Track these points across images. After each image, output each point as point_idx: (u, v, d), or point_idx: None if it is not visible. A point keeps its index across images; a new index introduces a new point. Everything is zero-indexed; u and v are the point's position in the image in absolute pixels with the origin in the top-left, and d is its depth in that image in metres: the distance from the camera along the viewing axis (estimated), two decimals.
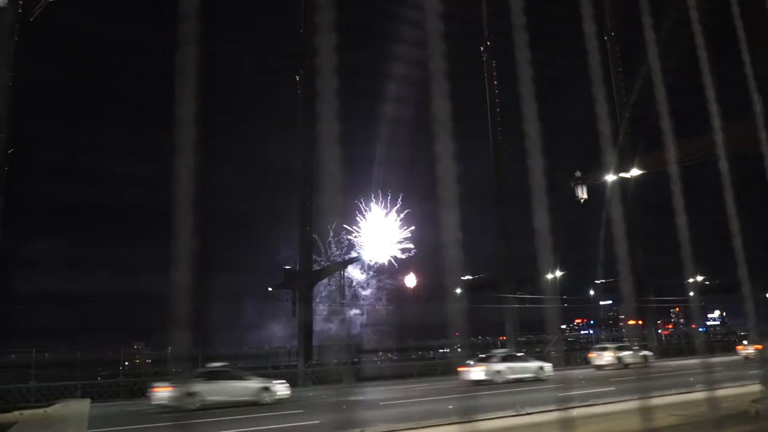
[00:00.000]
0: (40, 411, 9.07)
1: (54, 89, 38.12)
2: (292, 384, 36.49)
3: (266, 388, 24.78)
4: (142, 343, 41.30)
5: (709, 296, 63.79)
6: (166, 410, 20.46)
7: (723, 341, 61.58)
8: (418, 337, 50.66)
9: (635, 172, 34.20)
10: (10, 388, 28.74)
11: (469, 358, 30.65)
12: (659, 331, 66.21)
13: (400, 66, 52.64)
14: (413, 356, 48.67)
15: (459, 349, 30.70)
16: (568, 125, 42.44)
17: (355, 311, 55.88)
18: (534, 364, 32.15)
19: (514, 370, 31.24)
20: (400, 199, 58.38)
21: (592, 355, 41.41)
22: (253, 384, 24.77)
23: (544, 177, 2.53)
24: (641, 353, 40.34)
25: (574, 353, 53.40)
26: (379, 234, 57.40)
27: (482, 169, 51.33)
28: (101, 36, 39.85)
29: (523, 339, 50.84)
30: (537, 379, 30.19)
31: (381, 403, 22.45)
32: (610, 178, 30.07)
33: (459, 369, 30.69)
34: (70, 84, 39.36)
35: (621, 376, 29.38)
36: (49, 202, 37.23)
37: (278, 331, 50.49)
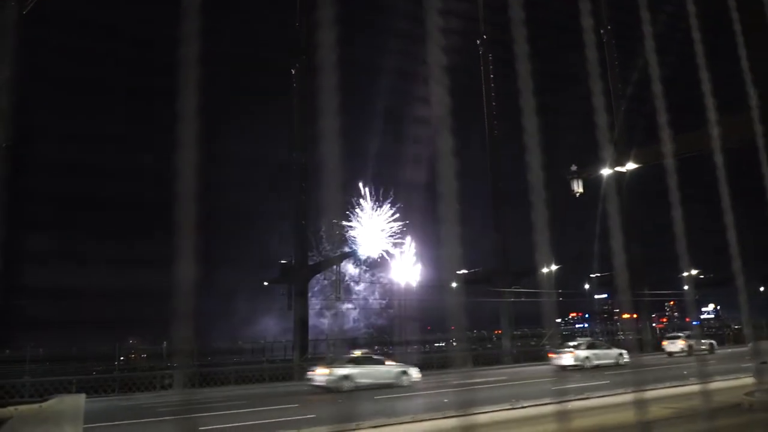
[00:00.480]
0: (36, 406, 9.04)
1: (53, 81, 37.84)
2: (289, 378, 36.65)
3: (404, 372, 27.24)
4: (137, 339, 41.22)
5: (704, 290, 63.98)
6: (326, 391, 24.08)
7: (717, 335, 61.89)
8: (431, 329, 50.70)
9: (631, 165, 34.28)
10: (5, 383, 28.69)
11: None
12: (654, 324, 66.50)
13: (394, 58, 52.41)
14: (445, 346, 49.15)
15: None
16: (564, 118, 42.49)
17: (348, 305, 55.82)
18: (615, 351, 35.19)
19: (598, 357, 34.21)
20: (391, 193, 58.21)
21: (665, 343, 45.20)
22: (394, 368, 27.41)
23: (541, 170, 2.53)
24: (707, 342, 43.94)
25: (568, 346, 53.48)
26: (372, 228, 57.37)
27: (478, 163, 51.32)
28: (100, 27, 39.53)
29: (519, 333, 50.98)
30: (617, 365, 32.72)
31: (500, 384, 24.25)
32: (606, 171, 30.13)
33: (549, 355, 34.99)
34: (70, 76, 39.11)
35: (689, 362, 32.37)
36: (45, 195, 37.06)
37: (273, 326, 50.48)
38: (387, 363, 27.87)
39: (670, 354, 42.01)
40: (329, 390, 24.42)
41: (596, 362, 33.42)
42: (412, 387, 25.83)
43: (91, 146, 38.83)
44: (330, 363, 26.36)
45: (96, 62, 40.61)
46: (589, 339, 39.01)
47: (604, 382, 21.55)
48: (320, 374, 25.48)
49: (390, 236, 58.03)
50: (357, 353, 28.05)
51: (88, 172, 38.70)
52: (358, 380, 24.67)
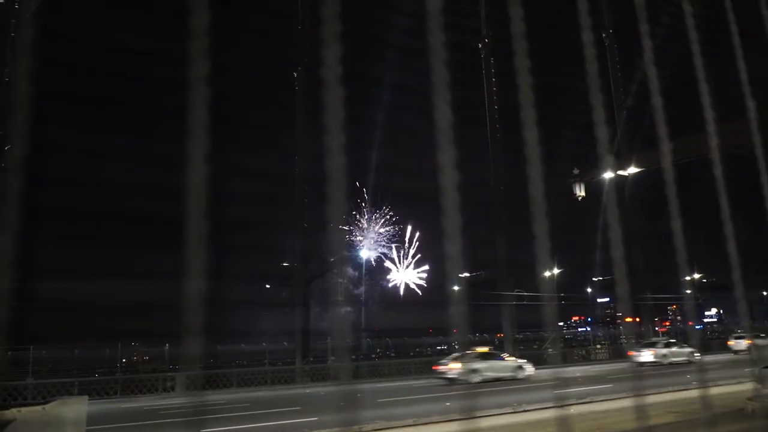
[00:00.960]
0: (38, 408, 9.05)
1: (69, 98, 38.24)
2: (291, 381, 36.64)
3: (520, 367, 29.84)
4: (140, 342, 41.24)
5: (707, 294, 63.92)
6: (456, 383, 26.18)
7: (720, 339, 61.74)
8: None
9: (633, 169, 34.26)
10: (7, 385, 28.73)
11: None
12: (656, 328, 66.36)
13: (395, 60, 52.46)
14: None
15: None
16: (566, 122, 42.45)
17: (347, 309, 55.74)
18: (687, 350, 38.01)
19: (674, 354, 37.63)
20: (389, 198, 58.20)
21: (731, 342, 47.95)
22: (512, 363, 30.32)
23: (543, 174, 2.53)
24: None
25: (571, 350, 53.60)
26: (370, 233, 57.42)
27: (481, 164, 51.31)
28: (111, 44, 39.88)
29: (521, 336, 50.95)
30: (689, 362, 35.19)
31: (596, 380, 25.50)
32: (607, 175, 30.11)
33: (629, 353, 39.15)
34: (85, 92, 39.64)
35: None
36: (53, 207, 37.26)
37: (274, 329, 50.41)
38: (506, 358, 31.15)
39: (736, 352, 43.68)
40: (459, 382, 26.38)
41: (672, 359, 36.53)
42: (528, 379, 28.47)
43: (95, 160, 39.07)
44: (458, 358, 28.33)
45: (104, 77, 41.00)
46: (665, 338, 43.18)
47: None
48: (452, 368, 27.79)
49: (388, 240, 58.03)
50: (481, 349, 32.07)
51: (97, 186, 38.99)
52: (485, 373, 27.77)
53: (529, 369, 29.87)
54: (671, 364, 35.19)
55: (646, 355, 36.80)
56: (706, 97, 3.65)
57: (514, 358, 31.46)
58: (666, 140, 3.25)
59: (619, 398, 15.65)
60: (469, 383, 25.03)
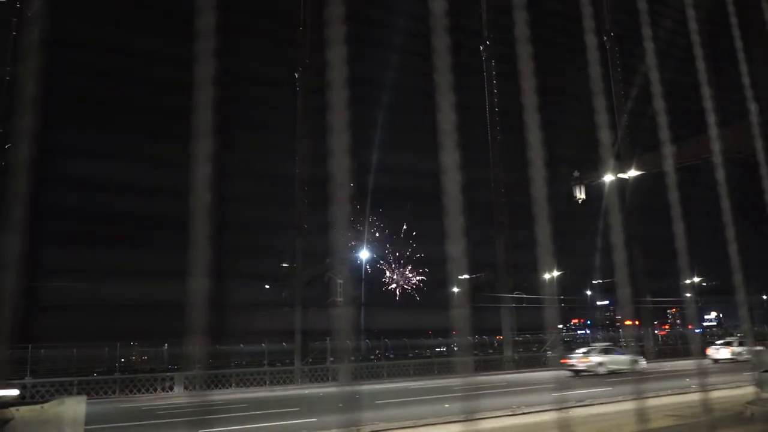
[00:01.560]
0: (37, 407, 9.04)
1: (73, 98, 38.31)
2: (290, 382, 36.59)
3: (636, 360, 32.69)
4: (138, 341, 41.18)
5: (706, 297, 63.91)
6: (584, 375, 30.59)
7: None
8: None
9: (633, 172, 34.27)
10: (6, 384, 28.66)
11: None
12: (656, 331, 66.28)
13: (395, 61, 52.49)
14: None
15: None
16: (567, 124, 42.45)
17: (346, 309, 55.63)
18: (627, 357, 39.09)
19: (748, 352, 38.09)
20: (390, 199, 58.16)
21: (709, 351, 47.77)
22: (629, 357, 33.45)
23: (544, 176, 2.53)
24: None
25: (570, 353, 53.54)
26: (364, 235, 57.45)
27: (482, 167, 51.29)
28: (114, 44, 39.99)
29: (520, 339, 50.91)
30: (631, 371, 37.27)
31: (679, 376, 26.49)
32: (608, 178, 30.11)
33: (707, 351, 41.05)
34: (89, 93, 39.74)
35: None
36: (53, 206, 37.28)
37: (273, 330, 50.35)
38: (623, 353, 34.76)
39: (716, 361, 42.37)
40: (588, 374, 30.95)
41: (746, 356, 38.01)
42: (643, 371, 31.24)
43: (96, 160, 39.13)
44: (586, 353, 33.79)
45: (108, 78, 41.07)
46: (741, 336, 43.37)
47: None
48: (581, 362, 32.58)
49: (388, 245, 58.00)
50: (603, 345, 36.89)
51: (97, 186, 39.02)
52: (608, 366, 31.92)
53: (642, 363, 32.82)
54: (612, 373, 33.24)
55: (723, 353, 39.38)
56: (707, 101, 3.65)
57: (629, 353, 34.96)
58: (667, 143, 3.25)
59: (617, 402, 15.66)
60: (597, 374, 30.91)
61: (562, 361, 32.00)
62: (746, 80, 4.14)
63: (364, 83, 47.02)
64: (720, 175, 3.65)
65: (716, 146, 3.67)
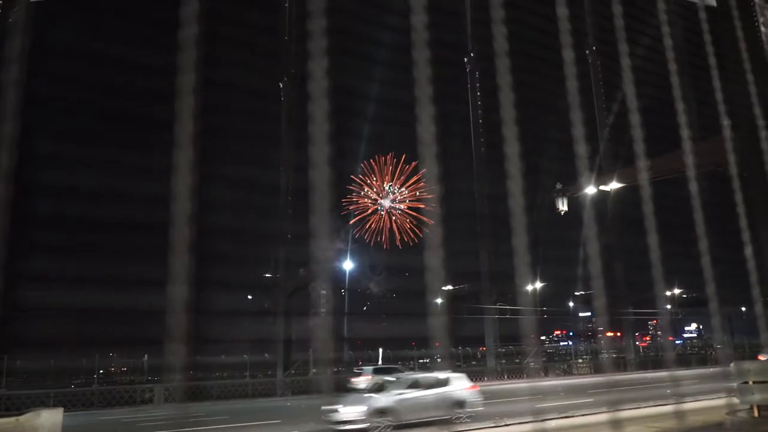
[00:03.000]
0: (12, 420, 8.88)
1: (51, 106, 38.01)
2: (272, 393, 36.28)
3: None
4: (117, 353, 40.60)
5: (686, 309, 64.57)
6: None
7: (699, 354, 62.44)
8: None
9: (615, 185, 34.67)
10: None
11: None
12: (637, 343, 66.85)
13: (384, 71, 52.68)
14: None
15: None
16: (551, 137, 42.85)
17: (328, 320, 55.20)
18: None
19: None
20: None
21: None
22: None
23: (527, 189, 2.56)
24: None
25: (553, 364, 53.87)
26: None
27: (465, 178, 51.59)
28: (95, 53, 39.78)
29: (503, 350, 51.04)
30: None
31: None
32: (590, 191, 30.44)
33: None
34: (68, 101, 39.46)
35: None
36: (37, 215, 36.80)
37: (256, 340, 49.94)
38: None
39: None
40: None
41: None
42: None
43: (80, 170, 38.81)
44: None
45: (90, 88, 40.83)
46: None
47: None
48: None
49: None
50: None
51: (79, 195, 38.61)
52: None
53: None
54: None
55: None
56: (682, 116, 3.73)
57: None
58: (644, 157, 3.30)
59: (598, 413, 15.72)
60: None
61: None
62: (720, 95, 4.23)
63: (349, 94, 47.17)
64: (693, 188, 3.72)
65: (689, 160, 3.74)
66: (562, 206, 37.89)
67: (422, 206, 55.38)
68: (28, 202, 34.79)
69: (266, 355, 43.27)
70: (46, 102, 36.33)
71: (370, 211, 57.66)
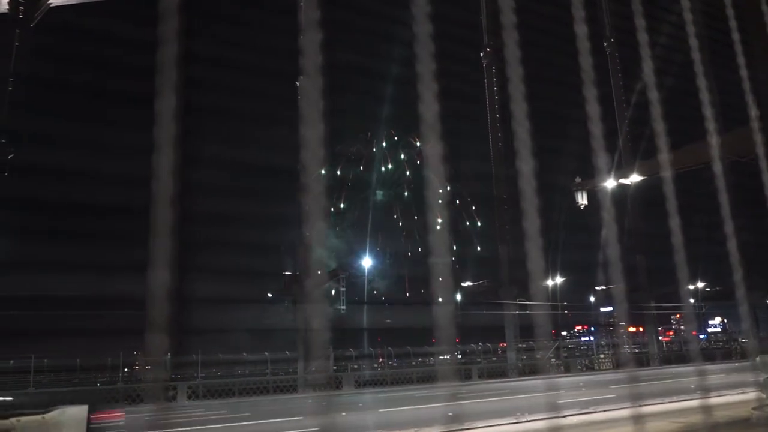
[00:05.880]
0: (38, 417, 9.01)
1: (32, 84, 37.27)
2: (292, 390, 36.45)
3: None
4: (142, 350, 41.07)
5: (710, 303, 63.64)
6: None
7: (724, 348, 61.48)
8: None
9: (635, 178, 34.22)
10: (9, 394, 28.62)
11: None
12: (660, 337, 66.01)
13: (397, 68, 52.50)
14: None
15: None
16: (570, 132, 42.43)
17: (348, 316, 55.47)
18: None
19: None
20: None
21: None
22: None
23: (549, 184, 2.52)
24: None
25: (574, 359, 53.39)
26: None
27: (484, 175, 51.30)
28: (82, 32, 39.12)
29: (524, 345, 50.71)
30: None
31: None
32: (610, 184, 30.09)
33: None
34: (50, 78, 38.62)
35: None
36: (43, 204, 37.01)
37: (277, 337, 50.27)
38: None
39: None
40: None
41: None
42: None
43: (95, 155, 38.87)
44: None
45: (91, 69, 40.48)
46: None
47: None
48: None
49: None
50: None
51: (91, 181, 38.72)
52: None
53: None
54: None
55: None
56: (708, 107, 3.64)
57: None
58: (668, 149, 3.24)
59: (621, 408, 15.56)
60: None
61: None
62: (746, 85, 4.13)
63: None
64: (720, 181, 3.64)
65: (717, 150, 3.66)
66: (582, 200, 37.51)
67: None
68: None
69: (287, 352, 43.44)
70: (23, 79, 35.55)
71: None
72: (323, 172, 1.98)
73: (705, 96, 3.73)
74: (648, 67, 3.51)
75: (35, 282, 36.38)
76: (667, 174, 3.34)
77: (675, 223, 3.32)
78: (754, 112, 4.10)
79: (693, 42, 3.72)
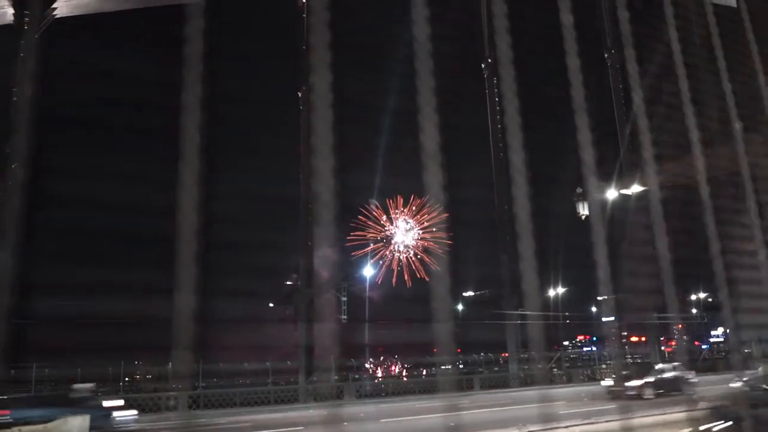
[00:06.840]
0: (40, 427, 9.03)
1: (62, 118, 38.40)
2: (293, 400, 36.33)
3: None
4: (143, 361, 40.97)
5: (712, 313, 63.47)
6: None
7: (725, 358, 61.22)
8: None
9: (636, 188, 34.27)
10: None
11: None
12: (662, 347, 65.72)
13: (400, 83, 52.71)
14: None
15: None
16: (571, 142, 42.48)
17: (348, 326, 55.28)
18: None
19: None
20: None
21: None
22: None
23: (550, 194, 2.56)
24: None
25: (576, 370, 53.20)
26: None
27: (485, 184, 51.36)
28: (107, 67, 40.16)
29: (526, 356, 50.55)
30: None
31: None
32: (611, 194, 30.11)
33: None
34: (79, 113, 39.84)
35: None
36: (56, 227, 37.33)
37: (277, 348, 50.18)
38: None
39: None
40: None
41: None
42: None
43: (99, 182, 39.25)
44: None
45: (104, 101, 41.23)
46: None
47: None
48: None
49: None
50: None
51: (96, 206, 39.06)
52: None
53: None
54: None
55: None
56: (690, 118, 3.68)
57: None
58: (650, 162, 3.27)
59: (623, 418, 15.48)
60: None
61: None
62: (731, 100, 4.17)
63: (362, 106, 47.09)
64: (704, 192, 3.67)
65: (699, 164, 3.69)
66: (583, 210, 37.52)
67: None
68: (44, 214, 35.34)
69: (288, 362, 43.37)
70: (57, 115, 36.58)
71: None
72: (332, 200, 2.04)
73: (688, 108, 3.77)
74: (644, 81, 3.56)
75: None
76: (657, 186, 3.37)
77: (657, 234, 3.35)
78: (737, 125, 4.14)
79: (678, 57, 3.77)
